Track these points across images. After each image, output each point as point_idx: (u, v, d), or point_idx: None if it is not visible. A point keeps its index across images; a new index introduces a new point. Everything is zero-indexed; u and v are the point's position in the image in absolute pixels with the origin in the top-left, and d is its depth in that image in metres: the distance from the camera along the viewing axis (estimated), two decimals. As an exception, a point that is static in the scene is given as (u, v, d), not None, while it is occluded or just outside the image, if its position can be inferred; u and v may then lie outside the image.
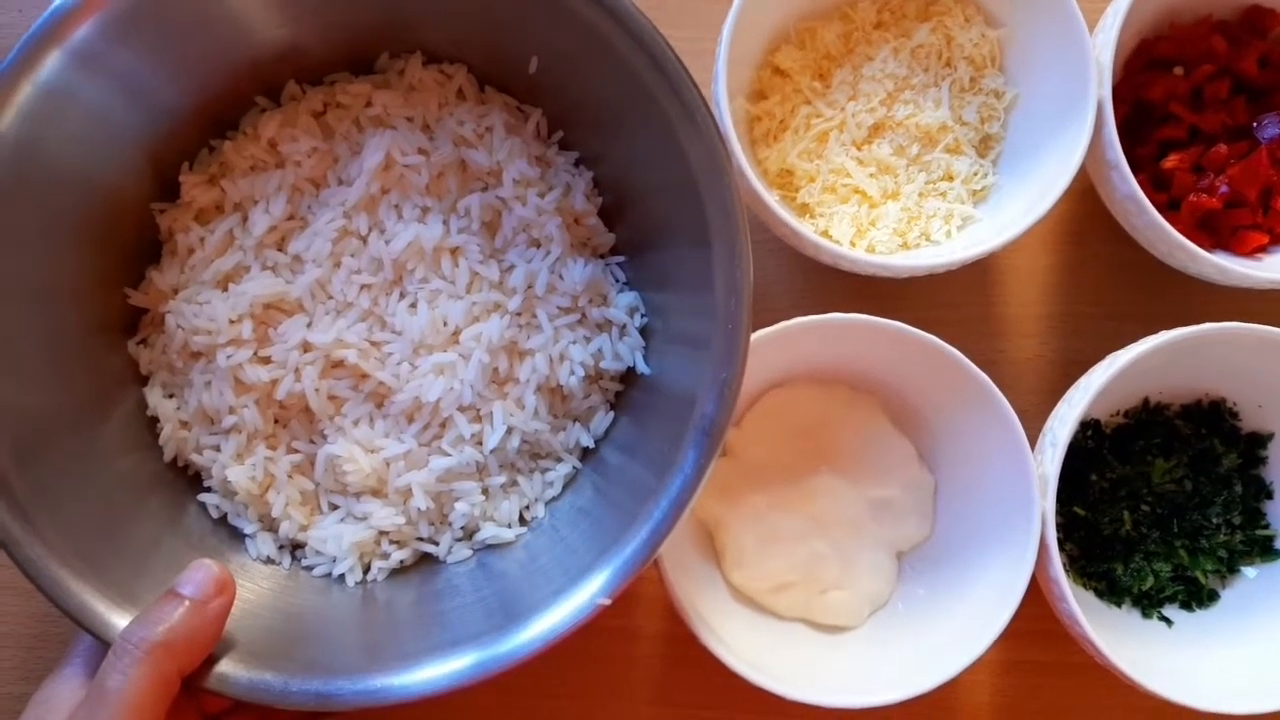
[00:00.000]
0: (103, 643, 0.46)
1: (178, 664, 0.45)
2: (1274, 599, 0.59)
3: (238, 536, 0.55)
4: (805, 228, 0.57)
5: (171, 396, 0.56)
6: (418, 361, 0.54)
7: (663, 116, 0.49)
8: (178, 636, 0.45)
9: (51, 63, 0.47)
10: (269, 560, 0.55)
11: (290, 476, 0.54)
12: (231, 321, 0.53)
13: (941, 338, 0.55)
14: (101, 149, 0.52)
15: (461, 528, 0.55)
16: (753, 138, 0.63)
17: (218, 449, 0.54)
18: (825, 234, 0.60)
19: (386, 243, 0.54)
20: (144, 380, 0.56)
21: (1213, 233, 0.61)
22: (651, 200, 0.55)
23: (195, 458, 0.55)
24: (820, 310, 0.55)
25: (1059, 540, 0.59)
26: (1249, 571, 0.60)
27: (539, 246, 0.56)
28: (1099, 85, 0.56)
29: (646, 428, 0.55)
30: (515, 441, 0.54)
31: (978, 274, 0.65)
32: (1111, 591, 0.60)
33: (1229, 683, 0.56)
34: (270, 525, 0.55)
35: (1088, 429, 0.61)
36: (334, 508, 0.55)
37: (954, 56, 0.62)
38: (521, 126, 0.57)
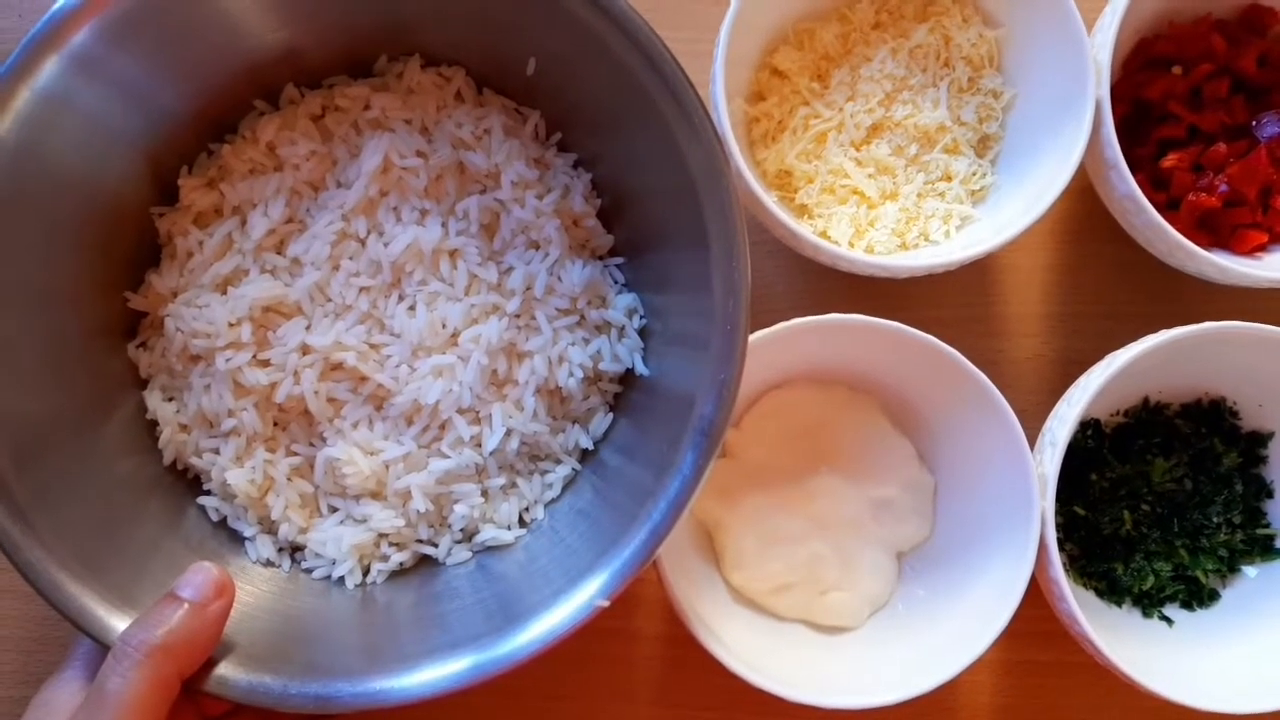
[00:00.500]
0: (102, 646, 0.46)
1: (177, 666, 0.45)
2: (1275, 598, 0.59)
3: (237, 539, 0.55)
4: (804, 229, 0.57)
5: (171, 400, 0.56)
6: (416, 364, 0.54)
7: (660, 118, 0.49)
8: (177, 639, 0.45)
9: (50, 68, 0.48)
10: (268, 563, 0.55)
11: (290, 479, 0.54)
12: (230, 325, 0.53)
13: (941, 338, 0.55)
14: (100, 153, 0.52)
15: (461, 530, 0.55)
16: (751, 139, 0.63)
17: (217, 452, 0.55)
18: (824, 235, 0.60)
19: (385, 245, 0.54)
20: (144, 383, 0.56)
21: (1212, 232, 0.61)
22: (650, 202, 0.55)
23: (195, 461, 0.55)
24: (819, 311, 0.55)
25: (1059, 540, 0.59)
26: (1249, 571, 0.60)
27: (537, 248, 0.56)
28: (1097, 85, 0.56)
29: (645, 429, 0.55)
30: (514, 443, 0.54)
31: (977, 274, 0.65)
32: (1112, 591, 0.60)
33: (1230, 682, 0.56)
34: (270, 528, 0.55)
35: (1088, 428, 0.61)
36: (333, 510, 0.55)
37: (952, 57, 0.62)
38: (520, 128, 0.58)
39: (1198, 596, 0.60)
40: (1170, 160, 0.60)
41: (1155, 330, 0.56)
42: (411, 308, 0.54)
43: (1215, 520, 0.60)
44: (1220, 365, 0.58)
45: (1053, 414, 0.57)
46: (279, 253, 0.55)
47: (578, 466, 0.57)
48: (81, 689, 0.47)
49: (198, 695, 0.47)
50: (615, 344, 0.56)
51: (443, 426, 0.54)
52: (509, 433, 0.54)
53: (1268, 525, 0.61)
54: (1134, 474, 0.60)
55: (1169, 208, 0.60)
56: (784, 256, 0.65)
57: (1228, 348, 0.56)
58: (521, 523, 0.56)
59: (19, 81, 0.47)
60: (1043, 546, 0.54)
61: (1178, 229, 0.56)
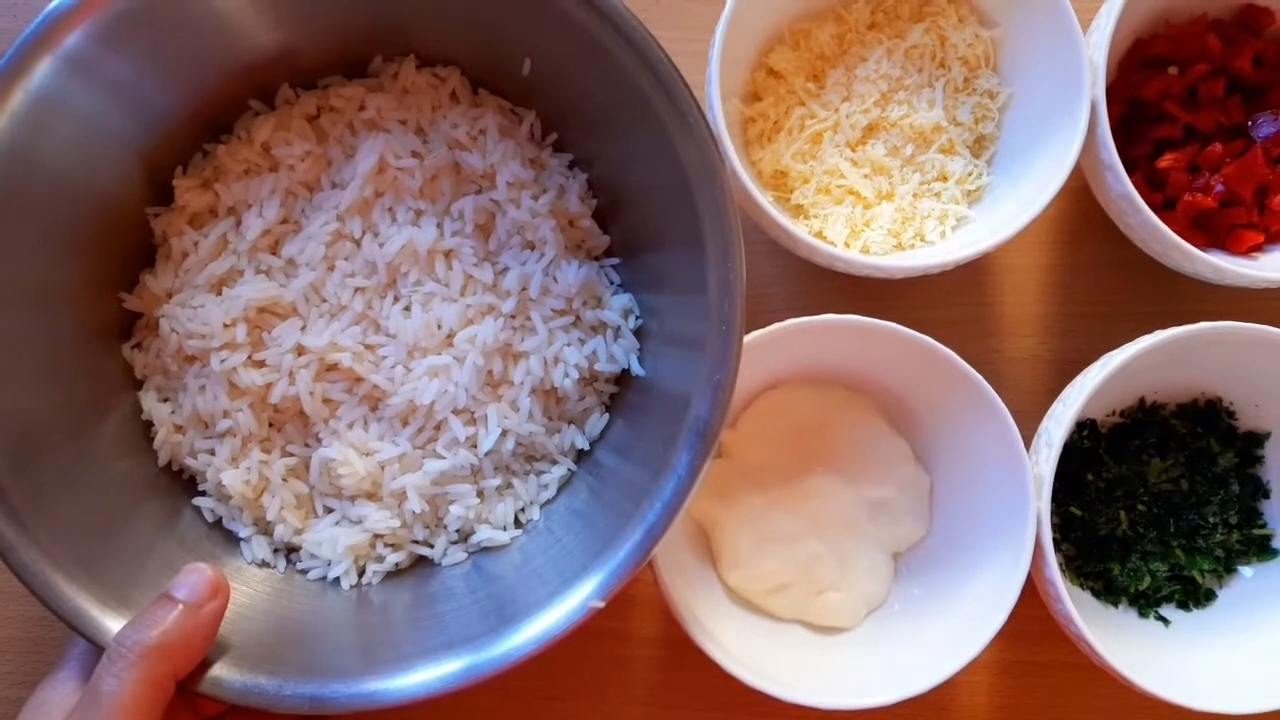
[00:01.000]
0: (96, 647, 0.46)
1: (172, 667, 0.45)
2: (1271, 598, 0.59)
3: (232, 540, 0.55)
4: (799, 229, 0.57)
5: (166, 400, 0.56)
6: (412, 364, 0.54)
7: (655, 119, 0.49)
8: (172, 640, 0.45)
9: (43, 69, 0.47)
10: (264, 564, 0.55)
11: (285, 480, 0.54)
12: (225, 325, 0.53)
13: (937, 338, 0.55)
14: (95, 154, 0.52)
15: (456, 530, 0.55)
16: (747, 139, 0.63)
17: (212, 453, 0.54)
18: (820, 235, 0.60)
19: (380, 246, 0.54)
20: (139, 384, 0.56)
21: (1208, 232, 0.61)
22: (645, 202, 0.54)
23: (190, 462, 0.55)
24: (816, 311, 0.55)
25: (1056, 540, 0.59)
26: (1246, 571, 0.60)
27: (533, 249, 0.56)
28: (1092, 85, 0.56)
29: (641, 429, 0.55)
30: (510, 444, 0.54)
31: (973, 274, 0.65)
32: (1108, 591, 0.60)
33: (1226, 682, 0.56)
34: (265, 529, 0.55)
35: (1084, 429, 0.61)
36: (329, 511, 0.55)
37: (948, 57, 0.62)
38: (515, 129, 0.58)
39: (1194, 597, 0.60)
40: (1166, 160, 0.60)
41: (1151, 330, 0.56)
42: (407, 308, 0.54)
43: (1212, 520, 0.60)
44: (1216, 365, 0.58)
45: (1048, 414, 0.57)
46: (274, 253, 0.55)
47: (573, 467, 0.57)
48: (76, 690, 0.47)
49: (193, 696, 0.47)
50: (611, 344, 0.56)
51: (438, 427, 0.54)
52: (504, 433, 0.54)
53: (1264, 525, 0.61)
54: (1130, 474, 0.60)
55: (1165, 208, 0.60)
56: (780, 257, 0.65)
57: (1224, 348, 0.56)
58: (517, 523, 0.56)
59: (13, 82, 0.47)
60: (1038, 547, 0.54)
61: (1174, 229, 0.56)
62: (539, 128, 0.58)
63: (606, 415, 0.57)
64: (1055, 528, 0.60)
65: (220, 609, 0.47)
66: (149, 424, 0.55)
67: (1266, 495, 0.61)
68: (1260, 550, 0.60)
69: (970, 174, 0.61)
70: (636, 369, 0.56)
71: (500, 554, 0.55)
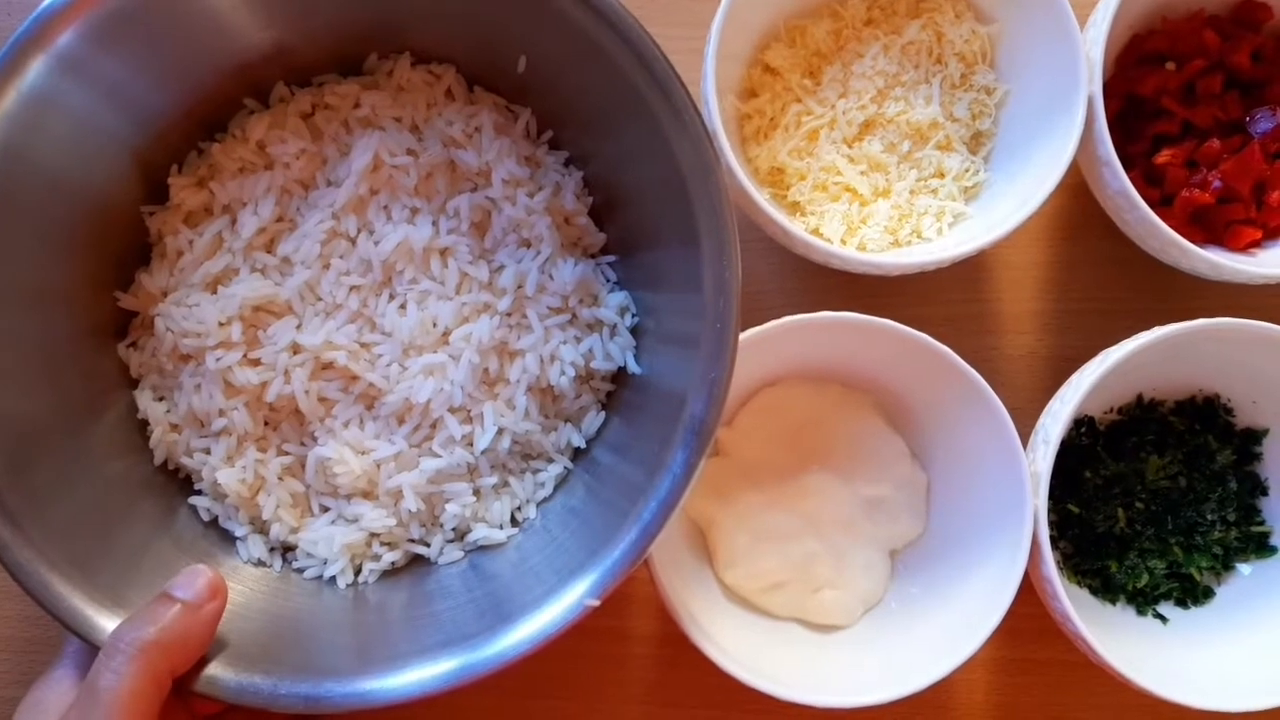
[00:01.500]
0: (92, 646, 0.46)
1: (170, 664, 0.45)
2: (1269, 595, 0.59)
3: (228, 539, 0.55)
4: (795, 226, 0.57)
5: (162, 399, 0.56)
6: (407, 363, 0.54)
7: (651, 116, 0.49)
8: (170, 637, 0.45)
9: (36, 68, 0.47)
10: (260, 563, 0.55)
11: (281, 479, 0.54)
12: (221, 324, 0.53)
13: (934, 335, 0.55)
14: (90, 153, 0.52)
15: (453, 529, 0.55)
16: (743, 136, 0.62)
17: (208, 452, 0.54)
18: (816, 232, 0.60)
19: (375, 244, 0.54)
20: (135, 383, 0.56)
21: (1206, 228, 0.60)
22: (641, 200, 0.54)
23: (185, 460, 0.55)
24: (813, 308, 0.55)
25: (1053, 538, 0.59)
26: (1244, 568, 0.60)
27: (529, 246, 0.56)
28: (1089, 81, 0.56)
29: (638, 427, 0.55)
30: (506, 442, 0.54)
31: (970, 271, 0.65)
32: (1106, 589, 0.60)
33: (1225, 679, 0.56)
34: (261, 528, 0.55)
35: (1081, 426, 0.61)
36: (325, 510, 0.55)
37: (944, 53, 0.61)
38: (510, 126, 0.57)
39: (1192, 594, 0.60)
40: (1164, 156, 0.60)
41: (1149, 327, 0.56)
42: (402, 306, 0.54)
43: (1209, 518, 0.60)
44: (1214, 362, 0.58)
45: (1046, 411, 0.57)
46: (269, 251, 0.55)
47: (570, 465, 0.57)
48: (72, 688, 0.47)
49: (189, 695, 0.47)
50: (607, 342, 0.56)
51: (434, 425, 0.54)
52: (500, 431, 0.54)
53: (1262, 522, 0.61)
54: (1128, 471, 0.60)
55: (1163, 204, 0.60)
56: (777, 254, 0.65)
57: (1222, 344, 0.56)
58: (514, 522, 0.56)
59: (5, 82, 0.47)
60: (1035, 544, 0.53)
61: (1171, 225, 0.56)
62: (534, 125, 0.58)
63: (603, 413, 0.57)
64: (1053, 525, 0.60)
65: (219, 610, 0.47)
66: (144, 423, 0.55)
67: (1265, 492, 0.61)
68: (1258, 547, 0.60)
69: (967, 170, 0.61)
70: (633, 367, 0.56)
71: (497, 552, 0.55)
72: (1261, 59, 0.61)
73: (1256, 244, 0.60)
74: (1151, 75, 0.61)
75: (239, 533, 0.55)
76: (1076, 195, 0.65)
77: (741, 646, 0.54)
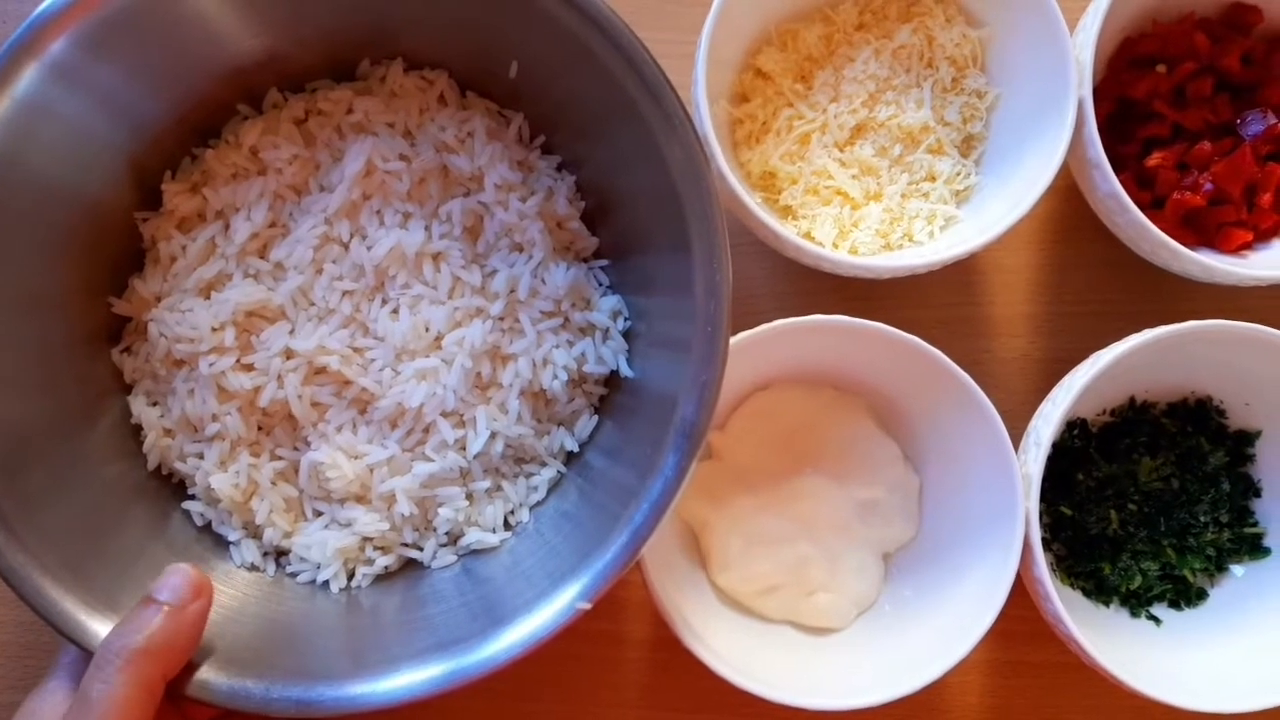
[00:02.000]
0: (86, 652, 0.46)
1: (160, 669, 0.45)
2: (1262, 597, 0.59)
3: (222, 544, 0.55)
4: (786, 230, 0.57)
5: (155, 405, 0.56)
6: (400, 367, 0.54)
7: (642, 120, 0.49)
8: (157, 642, 0.45)
9: (29, 76, 0.48)
10: (253, 567, 0.55)
11: (274, 483, 0.54)
12: (214, 329, 0.53)
13: (928, 338, 0.55)
14: (84, 160, 0.52)
15: (446, 533, 0.55)
16: (735, 140, 0.63)
17: (201, 456, 0.54)
18: (808, 236, 0.60)
19: (368, 249, 0.54)
20: (128, 389, 0.56)
21: (1197, 230, 0.61)
22: (633, 204, 0.54)
23: (179, 465, 0.55)
24: (805, 312, 0.55)
25: (1046, 540, 0.59)
26: (1237, 570, 0.60)
27: (521, 251, 0.56)
28: (1079, 84, 0.56)
29: (630, 431, 0.55)
30: (499, 446, 0.54)
31: (963, 274, 0.65)
32: (1099, 591, 0.60)
33: (1218, 681, 0.56)
34: (254, 532, 0.55)
35: (1074, 428, 0.61)
36: (318, 514, 0.55)
37: (935, 57, 0.62)
38: (503, 131, 0.58)
39: (1186, 596, 0.60)
40: (1155, 159, 0.60)
41: (1141, 329, 0.56)
42: (395, 311, 0.54)
43: (1203, 519, 0.60)
44: (1207, 364, 0.58)
45: (1037, 413, 0.57)
46: (262, 257, 0.55)
47: (563, 469, 0.57)
48: (66, 698, 0.47)
49: (182, 700, 0.47)
50: (600, 346, 0.56)
51: (426, 430, 0.54)
52: (493, 436, 0.54)
53: (1255, 524, 0.61)
54: (1121, 473, 0.60)
55: (1154, 206, 0.60)
56: (769, 258, 0.65)
57: (1214, 346, 0.56)
58: (507, 525, 0.56)
59: (-2, 90, 0.47)
60: (1027, 546, 0.53)
61: (1163, 228, 0.56)
62: (527, 130, 0.58)
63: (596, 417, 0.57)
64: (1046, 527, 0.60)
65: (204, 609, 0.47)
66: (138, 428, 0.55)
67: (1257, 494, 0.61)
68: (1251, 549, 0.60)
69: (958, 174, 0.61)
70: (625, 371, 0.56)
71: (490, 556, 0.55)
72: (1252, 62, 0.61)
73: (1248, 246, 0.61)
74: (1142, 78, 0.61)
75: (232, 537, 0.55)
76: (1068, 198, 0.65)
77: (735, 650, 0.54)
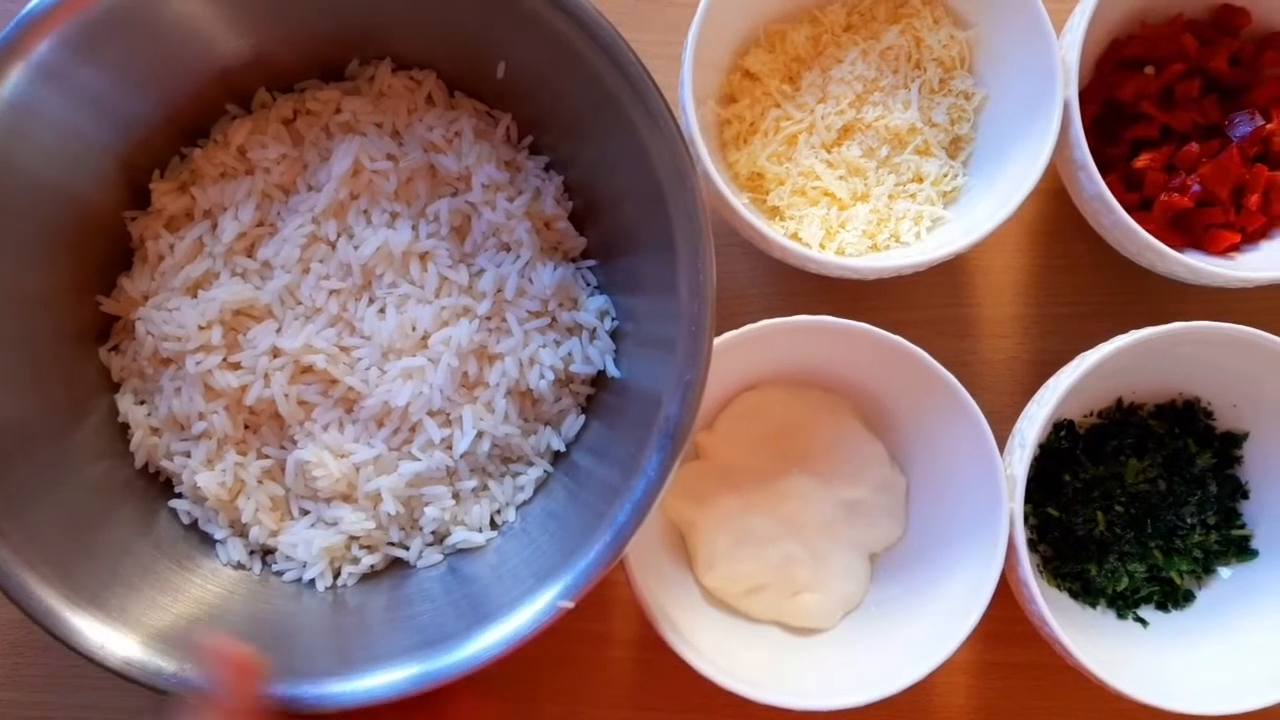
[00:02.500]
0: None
1: None
2: (1249, 599, 0.59)
3: (208, 542, 0.55)
4: (772, 230, 0.57)
5: (142, 403, 0.56)
6: (387, 366, 0.54)
7: (628, 121, 0.49)
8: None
9: (15, 77, 0.48)
10: (239, 565, 0.55)
11: (260, 482, 0.54)
12: (201, 328, 0.53)
13: (914, 339, 0.55)
14: (71, 159, 0.52)
15: (432, 532, 0.55)
16: (723, 141, 0.63)
17: (188, 455, 0.55)
18: (795, 236, 0.60)
19: (355, 248, 0.54)
20: (116, 387, 0.56)
21: (1185, 232, 0.61)
22: (620, 205, 0.55)
23: (166, 464, 0.55)
24: (792, 312, 0.55)
25: (1033, 541, 0.59)
26: (1224, 571, 0.60)
27: (508, 251, 0.56)
28: (1065, 85, 0.56)
29: (617, 431, 0.55)
30: (485, 445, 0.55)
31: (950, 275, 0.65)
32: (1086, 592, 0.60)
33: (1205, 683, 0.56)
34: (240, 531, 0.55)
35: (1061, 429, 0.61)
36: (304, 513, 0.55)
37: (923, 58, 0.62)
38: (491, 131, 0.58)
39: (1172, 598, 0.60)
40: (1143, 160, 0.60)
41: (1129, 331, 0.56)
42: (381, 310, 0.54)
43: (1189, 521, 0.60)
44: (1194, 366, 0.58)
45: (1023, 415, 0.57)
46: (249, 256, 0.55)
47: (550, 468, 0.57)
48: None
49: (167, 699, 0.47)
50: (587, 346, 0.57)
51: (413, 429, 0.54)
52: (480, 435, 0.54)
53: (1242, 526, 0.61)
54: (1107, 475, 0.60)
55: (1142, 208, 0.60)
56: (756, 258, 0.65)
57: (1201, 348, 0.56)
58: (493, 525, 0.56)
59: (-16, 91, 0.47)
60: (1012, 547, 0.53)
61: (1151, 229, 0.56)
62: (515, 130, 0.58)
63: (583, 417, 0.57)
64: (1033, 529, 0.60)
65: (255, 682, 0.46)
66: (125, 426, 0.56)
67: (1245, 496, 0.61)
68: (1239, 551, 0.60)
69: (945, 175, 0.61)
70: (612, 370, 0.56)
71: (476, 556, 0.55)
72: (1240, 63, 0.61)
73: (1235, 247, 0.60)
74: (1130, 80, 0.61)
75: (219, 535, 0.55)
76: (1055, 200, 0.65)
77: (720, 649, 0.54)
